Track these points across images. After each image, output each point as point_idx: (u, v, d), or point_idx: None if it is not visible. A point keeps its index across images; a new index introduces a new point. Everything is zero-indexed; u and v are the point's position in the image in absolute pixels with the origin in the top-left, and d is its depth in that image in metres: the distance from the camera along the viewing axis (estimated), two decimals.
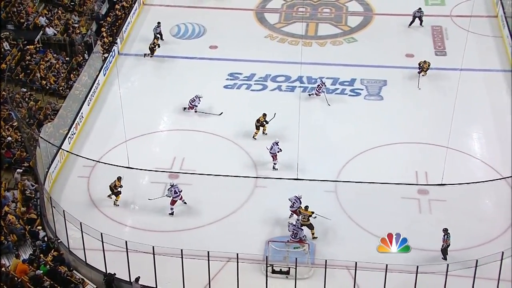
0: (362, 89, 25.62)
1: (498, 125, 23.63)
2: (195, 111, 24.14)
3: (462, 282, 17.23)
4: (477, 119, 23.97)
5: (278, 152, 21.38)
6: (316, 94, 24.84)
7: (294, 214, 19.44)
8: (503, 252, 16.73)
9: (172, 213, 19.93)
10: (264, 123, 22.75)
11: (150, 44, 27.55)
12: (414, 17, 29.24)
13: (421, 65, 25.63)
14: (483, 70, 26.40)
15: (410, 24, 29.32)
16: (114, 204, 20.44)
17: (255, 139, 22.77)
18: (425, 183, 20.87)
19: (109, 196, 20.50)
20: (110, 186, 20.36)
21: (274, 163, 21.55)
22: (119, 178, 20.21)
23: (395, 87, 25.74)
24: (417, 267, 16.46)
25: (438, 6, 30.72)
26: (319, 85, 24.91)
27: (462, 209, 20.01)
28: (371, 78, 26.20)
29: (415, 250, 18.34)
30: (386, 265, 16.47)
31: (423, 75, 25.61)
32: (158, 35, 28.11)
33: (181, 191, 19.89)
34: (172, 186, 19.85)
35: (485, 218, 19.86)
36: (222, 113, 23.88)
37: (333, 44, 28.71)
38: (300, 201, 19.37)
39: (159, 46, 27.61)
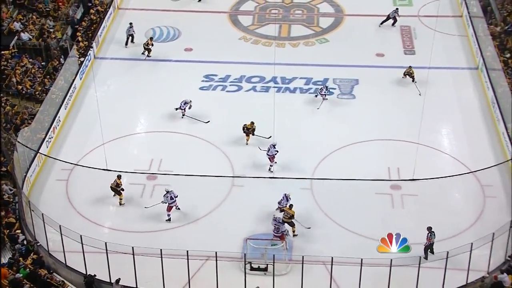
0: (335, 88, 25.74)
1: (465, 121, 23.97)
2: (183, 115, 23.85)
3: (434, 274, 17.45)
4: (445, 116, 24.26)
5: (275, 154, 21.26)
6: (323, 98, 24.63)
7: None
8: (472, 244, 16.98)
9: (169, 219, 19.64)
10: (250, 133, 22.43)
11: (144, 44, 27.38)
12: (388, 17, 29.30)
13: (409, 72, 25.29)
14: (450, 68, 26.74)
15: (382, 23, 29.41)
16: (120, 204, 20.16)
17: (247, 144, 22.51)
18: (397, 179, 21.05)
19: (114, 195, 20.23)
20: (111, 187, 20.09)
21: (271, 165, 21.38)
22: (119, 176, 20.01)
23: (367, 85, 25.92)
24: (391, 260, 16.61)
25: (406, 6, 31.01)
26: (321, 88, 24.78)
27: (433, 202, 20.24)
28: (343, 77, 26.35)
29: None
30: (361, 259, 16.59)
31: (415, 82, 25.21)
32: (130, 37, 27.99)
33: (176, 196, 19.53)
34: (167, 192, 19.47)
35: (455, 211, 20.12)
36: (209, 121, 23.67)
37: (306, 44, 28.82)
38: (287, 199, 19.40)
39: (152, 45, 27.41)
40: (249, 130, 22.44)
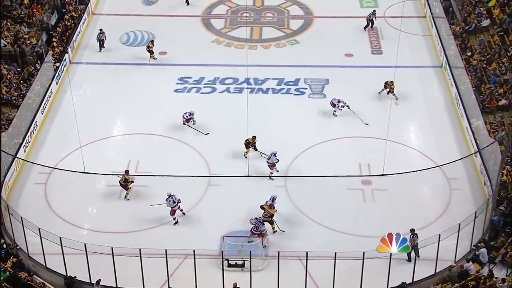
0: (306, 88, 25.88)
1: (431, 117, 24.30)
2: (188, 125, 23.22)
3: (404, 264, 17.72)
4: (412, 112, 24.55)
5: (276, 162, 20.84)
6: (334, 113, 23.78)
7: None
8: (439, 235, 17.22)
9: (176, 222, 19.40)
10: (251, 146, 21.67)
11: (146, 48, 27.17)
12: (368, 20, 29.12)
13: (390, 86, 24.54)
14: (415, 67, 27.06)
15: (365, 27, 29.21)
16: (125, 198, 20.08)
17: (246, 157, 21.81)
18: (368, 174, 21.25)
19: (124, 189, 20.13)
20: (120, 182, 20.00)
21: (271, 173, 20.98)
22: (127, 172, 19.91)
23: (337, 85, 26.08)
24: (364, 253, 16.76)
25: (372, 8, 31.28)
26: (334, 100, 23.77)
27: (402, 196, 20.48)
28: (314, 77, 26.47)
29: (361, 237, 18.75)
30: (335, 253, 16.72)
31: (394, 96, 24.50)
32: (100, 42, 27.74)
33: (178, 200, 19.31)
34: (169, 196, 19.24)
35: (423, 204, 20.40)
36: (208, 133, 23.09)
37: (277, 46, 28.88)
38: (273, 199, 19.27)
39: (153, 45, 27.11)
40: (249, 144, 21.76)
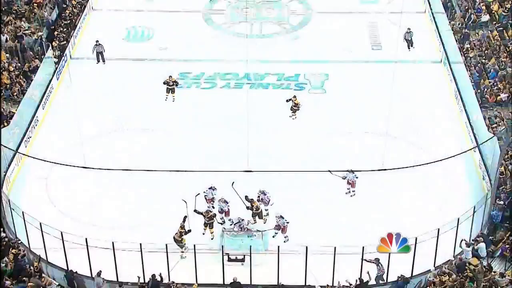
0: (306, 83, 25.82)
1: (430, 112, 24.22)
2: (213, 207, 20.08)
3: (403, 258, 17.60)
4: (411, 107, 24.45)
5: (286, 224, 18.87)
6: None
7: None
8: (438, 229, 17.20)
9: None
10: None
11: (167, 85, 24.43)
12: (406, 40, 27.37)
13: (294, 103, 23.24)
14: (415, 62, 26.97)
15: (409, 48, 27.37)
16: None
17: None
18: (367, 169, 21.11)
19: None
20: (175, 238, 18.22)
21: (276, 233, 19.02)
22: (182, 226, 18.37)
23: (337, 80, 26.02)
24: (363, 247, 16.73)
25: (372, 4, 31.16)
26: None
27: (402, 191, 20.44)
28: (314, 72, 26.40)
29: (361, 232, 18.70)
30: (335, 247, 16.69)
31: (293, 116, 23.40)
32: (99, 55, 26.76)
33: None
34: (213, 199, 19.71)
35: (422, 198, 20.35)
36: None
37: (277, 41, 28.76)
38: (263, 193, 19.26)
39: (177, 84, 24.71)
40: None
